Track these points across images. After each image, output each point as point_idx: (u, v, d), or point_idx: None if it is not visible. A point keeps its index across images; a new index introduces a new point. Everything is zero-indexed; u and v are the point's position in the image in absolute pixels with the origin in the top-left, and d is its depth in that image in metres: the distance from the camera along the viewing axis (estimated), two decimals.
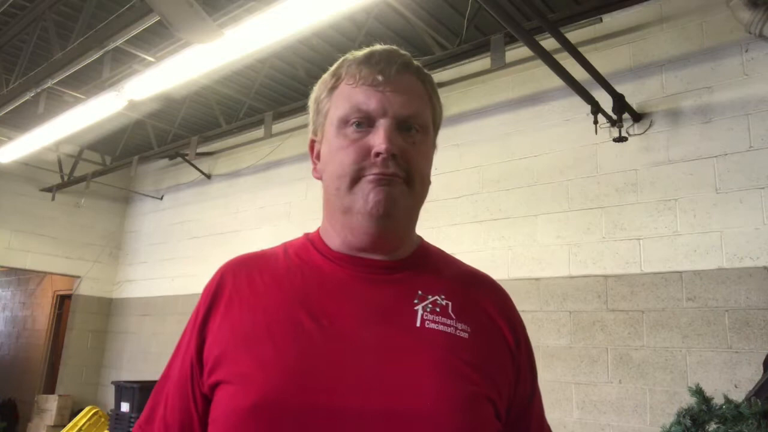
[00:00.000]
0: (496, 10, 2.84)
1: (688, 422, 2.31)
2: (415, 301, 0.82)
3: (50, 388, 7.33)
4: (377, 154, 0.78)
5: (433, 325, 0.80)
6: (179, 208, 6.89)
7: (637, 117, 3.63)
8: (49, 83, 4.07)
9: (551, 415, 3.59)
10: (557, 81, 3.54)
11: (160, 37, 4.40)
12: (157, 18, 3.00)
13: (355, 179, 0.80)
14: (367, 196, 0.79)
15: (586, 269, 3.69)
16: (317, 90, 0.89)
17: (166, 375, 0.87)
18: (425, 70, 0.89)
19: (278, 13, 2.92)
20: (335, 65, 0.87)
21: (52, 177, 6.82)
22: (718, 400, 2.37)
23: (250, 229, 5.79)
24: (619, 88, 3.57)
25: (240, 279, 0.85)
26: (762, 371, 2.78)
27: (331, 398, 0.71)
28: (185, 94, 5.31)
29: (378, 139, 0.79)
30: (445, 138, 4.68)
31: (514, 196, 4.11)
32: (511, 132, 4.24)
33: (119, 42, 3.47)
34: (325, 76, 0.88)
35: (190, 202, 6.76)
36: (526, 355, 0.90)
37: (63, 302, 8.14)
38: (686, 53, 3.57)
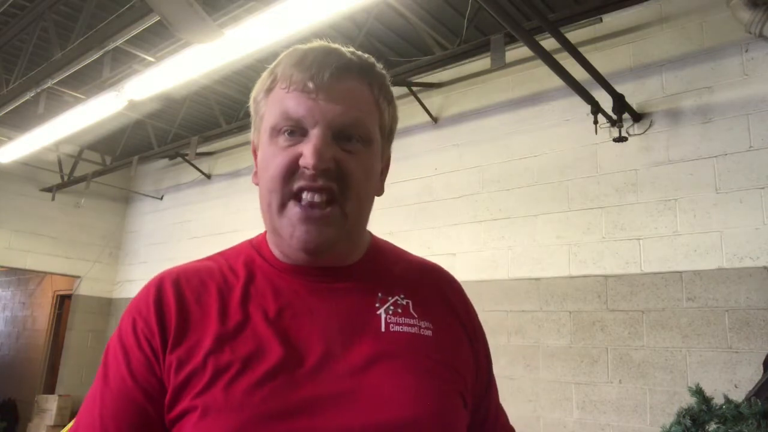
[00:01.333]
0: (496, 10, 2.84)
1: (688, 422, 2.31)
2: (377, 305, 0.79)
3: (50, 388, 7.33)
4: (306, 168, 0.72)
5: (397, 328, 0.78)
6: (179, 208, 6.89)
7: (637, 117, 3.63)
8: (49, 83, 4.07)
9: (551, 415, 3.60)
10: (557, 81, 3.54)
11: (160, 37, 4.40)
12: (157, 18, 3.00)
13: (285, 200, 0.74)
14: (293, 230, 0.74)
15: (586, 269, 3.69)
16: (256, 88, 0.82)
17: (95, 408, 0.73)
18: (376, 70, 0.80)
19: (278, 13, 2.92)
20: (274, 62, 0.80)
21: (52, 177, 6.82)
22: (718, 400, 2.37)
23: (250, 229, 5.75)
24: (619, 88, 3.57)
25: (186, 296, 0.76)
26: (762, 371, 2.79)
27: (309, 420, 0.67)
28: (185, 94, 5.31)
29: (307, 151, 0.72)
30: (445, 138, 4.71)
31: (514, 196, 4.11)
32: (511, 132, 4.24)
33: (119, 42, 3.46)
34: (264, 74, 0.81)
35: (190, 202, 6.76)
36: (482, 343, 0.90)
37: (63, 302, 8.13)
38: (686, 53, 3.57)
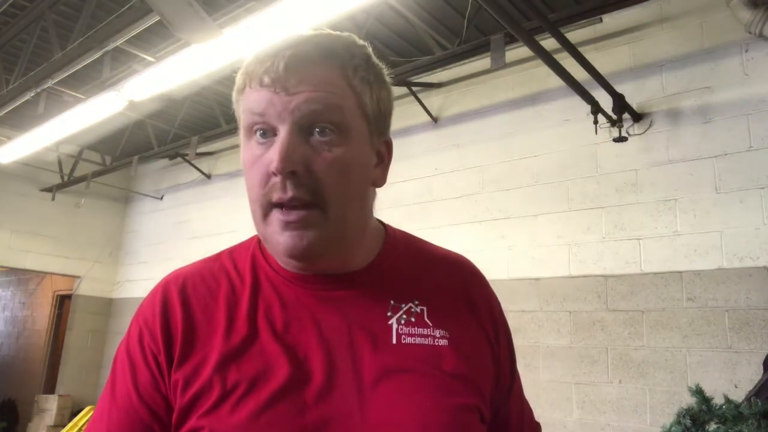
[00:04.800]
0: (496, 10, 2.84)
1: (688, 422, 2.31)
2: (388, 314, 0.74)
3: (50, 388, 7.33)
4: (274, 173, 0.67)
5: (410, 340, 0.73)
6: (179, 208, 6.89)
7: (637, 117, 3.63)
8: (49, 83, 4.07)
9: (551, 415, 3.59)
10: (557, 81, 3.54)
11: (160, 37, 4.40)
12: (157, 18, 3.00)
13: (266, 209, 0.70)
14: (278, 238, 0.70)
15: (586, 269, 3.69)
16: (233, 94, 0.76)
17: (103, 421, 0.73)
18: (348, 50, 0.72)
19: (278, 13, 2.92)
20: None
21: (52, 177, 6.82)
22: (718, 400, 2.37)
23: (250, 229, 5.76)
24: (619, 88, 3.57)
25: (193, 306, 0.74)
26: (762, 371, 2.78)
27: None
28: (185, 94, 5.31)
29: (273, 154, 0.67)
30: (445, 138, 4.71)
31: (514, 196, 4.11)
32: (511, 132, 4.24)
33: (119, 42, 3.46)
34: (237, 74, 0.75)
35: (190, 202, 6.76)
36: (505, 343, 0.85)
37: (63, 302, 8.13)
38: (686, 53, 3.57)
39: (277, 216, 0.69)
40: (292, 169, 0.67)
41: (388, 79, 0.78)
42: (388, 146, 0.80)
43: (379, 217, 0.85)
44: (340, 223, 0.71)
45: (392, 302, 0.76)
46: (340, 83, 0.70)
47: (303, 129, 0.68)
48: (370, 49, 0.76)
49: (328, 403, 0.68)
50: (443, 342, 0.75)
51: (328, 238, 0.70)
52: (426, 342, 0.74)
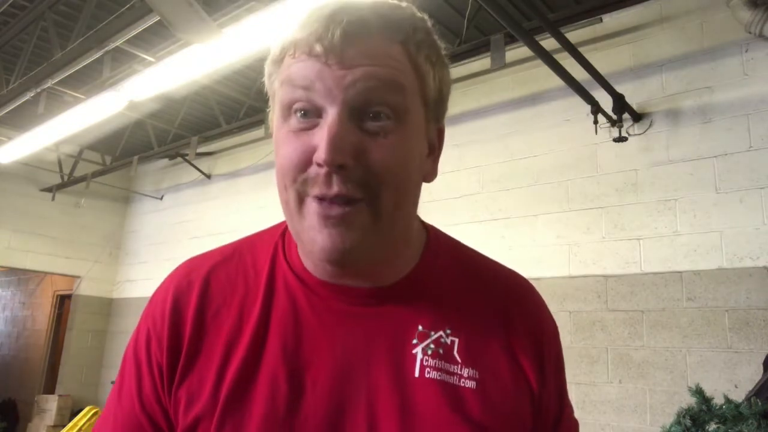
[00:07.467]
0: (496, 10, 2.84)
1: (688, 422, 2.31)
2: (414, 341, 0.65)
3: (50, 388, 7.33)
4: (318, 163, 0.57)
5: (434, 374, 0.63)
6: (179, 208, 6.89)
7: (637, 117, 3.63)
8: (49, 83, 4.07)
9: None
10: (557, 81, 3.54)
11: (160, 37, 4.40)
12: (157, 18, 3.00)
13: (301, 197, 0.59)
14: (314, 236, 0.59)
15: (586, 269, 3.69)
16: (267, 63, 0.64)
17: (109, 422, 0.69)
18: (411, 23, 0.61)
19: (278, 13, 2.92)
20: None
21: (52, 177, 6.82)
22: (718, 400, 2.37)
23: (250, 229, 5.76)
24: (619, 88, 3.57)
25: (206, 309, 0.66)
26: (762, 371, 2.78)
27: None
28: (185, 94, 5.31)
29: (320, 141, 0.56)
30: (445, 138, 4.68)
31: (514, 196, 4.11)
32: (511, 132, 4.24)
33: (119, 42, 3.47)
34: (273, 44, 0.64)
35: (190, 202, 6.76)
36: (554, 384, 0.72)
37: (63, 302, 8.14)
38: (686, 53, 3.57)
39: (315, 208, 0.58)
40: (341, 163, 0.56)
41: (446, 59, 0.67)
42: (441, 134, 0.71)
43: None
44: (390, 225, 0.61)
45: (420, 327, 0.66)
46: (403, 60, 0.59)
47: (355, 112, 0.57)
48: (430, 23, 0.64)
49: (338, 429, 0.61)
50: (470, 384, 0.64)
51: (373, 241, 0.60)
52: (451, 381, 0.64)
